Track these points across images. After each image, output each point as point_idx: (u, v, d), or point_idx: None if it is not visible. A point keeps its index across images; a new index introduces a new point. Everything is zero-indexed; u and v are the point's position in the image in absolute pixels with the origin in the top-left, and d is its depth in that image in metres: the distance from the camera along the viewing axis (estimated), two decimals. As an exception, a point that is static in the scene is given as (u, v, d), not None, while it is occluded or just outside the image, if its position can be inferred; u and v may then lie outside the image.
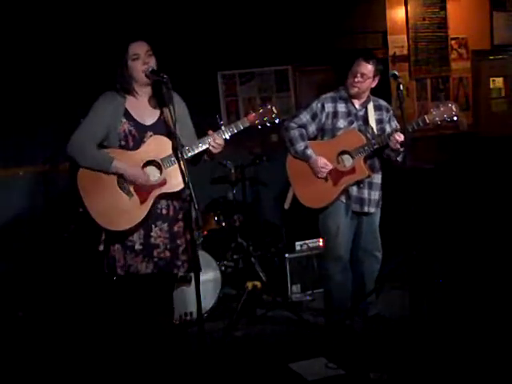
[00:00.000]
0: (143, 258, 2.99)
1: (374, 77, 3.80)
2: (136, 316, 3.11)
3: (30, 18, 5.15)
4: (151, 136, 2.99)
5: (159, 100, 3.03)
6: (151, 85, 3.02)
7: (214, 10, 5.69)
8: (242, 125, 3.07)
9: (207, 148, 3.02)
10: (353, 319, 3.91)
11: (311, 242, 4.88)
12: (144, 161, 2.97)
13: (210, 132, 3.02)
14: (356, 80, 3.77)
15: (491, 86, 7.02)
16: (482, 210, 5.66)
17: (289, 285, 4.77)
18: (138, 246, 2.99)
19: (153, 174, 2.99)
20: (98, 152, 2.95)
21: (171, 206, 3.05)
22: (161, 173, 2.98)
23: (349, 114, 3.85)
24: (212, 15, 5.68)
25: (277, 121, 3.15)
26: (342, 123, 3.83)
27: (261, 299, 4.51)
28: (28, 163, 5.23)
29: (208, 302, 4.26)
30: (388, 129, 3.86)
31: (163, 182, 2.97)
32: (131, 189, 2.95)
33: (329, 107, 3.85)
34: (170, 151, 2.95)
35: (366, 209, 3.87)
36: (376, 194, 3.90)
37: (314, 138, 3.91)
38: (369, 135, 3.79)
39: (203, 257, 4.19)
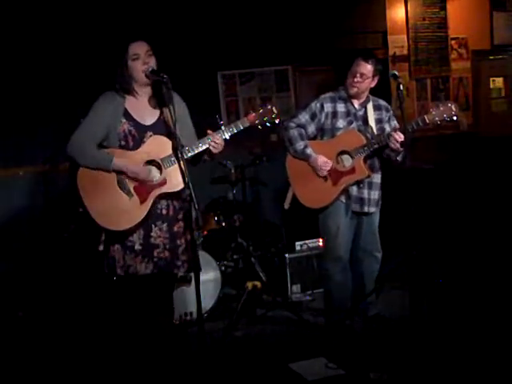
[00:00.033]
0: (143, 259, 2.99)
1: (374, 77, 3.80)
2: (136, 316, 3.10)
3: (30, 18, 5.16)
4: (151, 136, 2.99)
5: (159, 100, 3.03)
6: (151, 85, 3.02)
7: (213, 10, 5.69)
8: (242, 125, 3.07)
9: (207, 148, 3.02)
10: (353, 319, 3.91)
11: (311, 242, 4.88)
12: (144, 161, 2.97)
13: (210, 132, 3.02)
14: (355, 80, 3.77)
15: (491, 85, 7.02)
16: (481, 209, 5.66)
17: (289, 285, 4.77)
18: (137, 246, 2.99)
19: (153, 173, 2.99)
20: (97, 151, 2.95)
21: (171, 205, 3.05)
22: (161, 173, 2.98)
23: (348, 113, 3.85)
24: (212, 15, 5.69)
25: (277, 121, 3.15)
26: (341, 123, 3.83)
27: (261, 299, 4.51)
28: (28, 163, 5.24)
29: (208, 302, 4.26)
30: (388, 128, 3.86)
31: (163, 182, 2.97)
32: (131, 189, 2.96)
33: (328, 107, 3.85)
34: (169, 151, 2.95)
35: (365, 209, 3.87)
36: (376, 194, 3.90)
37: (314, 138, 3.91)
38: (368, 135, 3.79)
39: (203, 257, 4.19)
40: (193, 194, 2.71)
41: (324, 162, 3.77)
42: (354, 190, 3.83)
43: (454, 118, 3.53)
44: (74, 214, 4.58)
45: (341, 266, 3.90)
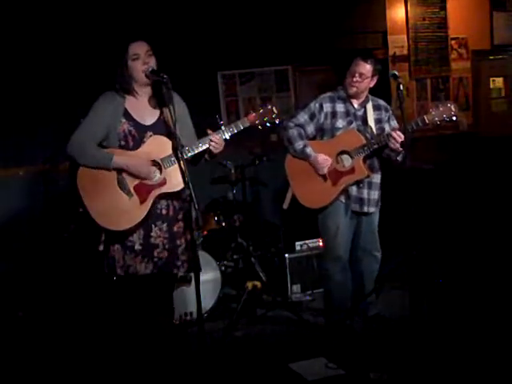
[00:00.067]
0: (143, 259, 2.99)
1: (373, 76, 3.80)
2: (136, 316, 3.10)
3: (30, 18, 5.16)
4: (151, 136, 2.99)
5: (159, 100, 3.03)
6: (151, 85, 3.02)
7: (213, 10, 5.69)
8: (242, 125, 3.07)
9: (207, 148, 3.02)
10: (353, 319, 3.91)
11: (311, 242, 4.88)
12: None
13: (210, 132, 3.02)
14: (354, 80, 3.77)
15: (491, 85, 7.02)
16: (481, 210, 5.66)
17: (289, 285, 4.78)
18: (137, 247, 2.99)
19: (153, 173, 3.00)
20: (97, 150, 2.95)
21: (171, 205, 3.05)
22: (161, 173, 2.98)
23: (347, 113, 3.85)
24: (212, 15, 5.68)
25: (277, 121, 3.15)
26: (340, 123, 3.83)
27: (261, 299, 4.51)
28: (28, 163, 5.24)
29: (208, 302, 4.26)
30: (387, 128, 3.86)
31: (163, 182, 2.97)
32: (131, 189, 2.96)
33: (327, 107, 3.85)
34: (169, 151, 2.95)
35: (365, 209, 3.87)
36: (375, 194, 3.90)
37: (313, 139, 3.91)
38: (368, 135, 3.79)
39: (203, 257, 4.19)
40: (193, 194, 2.71)
41: (324, 160, 3.77)
42: (353, 190, 3.83)
43: (454, 118, 3.53)
44: (74, 213, 4.58)
45: (340, 266, 3.90)
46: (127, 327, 3.20)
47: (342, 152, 3.79)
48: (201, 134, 3.08)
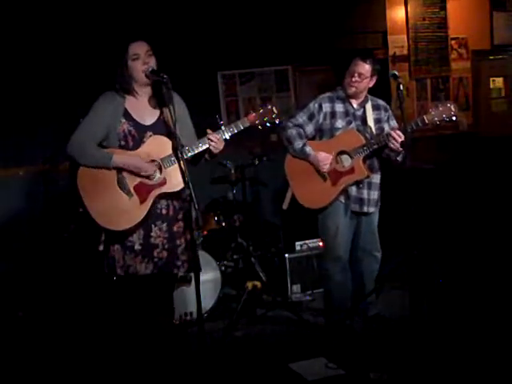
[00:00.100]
0: (142, 259, 2.99)
1: (372, 76, 3.80)
2: (136, 316, 3.11)
3: (30, 18, 5.16)
4: (151, 136, 2.99)
5: (159, 100, 3.03)
6: (151, 85, 3.02)
7: (213, 10, 5.69)
8: (242, 125, 3.07)
9: (208, 148, 3.02)
10: (353, 319, 3.91)
11: (311, 242, 4.88)
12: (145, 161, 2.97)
13: (210, 131, 3.02)
14: (353, 80, 3.77)
15: (491, 85, 7.02)
16: (482, 210, 5.66)
17: (289, 285, 4.78)
18: (137, 247, 2.99)
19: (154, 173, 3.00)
20: (97, 150, 2.95)
21: (171, 205, 3.05)
22: (161, 173, 2.98)
23: (347, 113, 3.85)
24: (212, 15, 5.68)
25: (277, 121, 3.15)
26: (340, 123, 3.83)
27: (261, 299, 4.51)
28: (28, 163, 5.24)
29: (208, 302, 4.26)
30: (387, 128, 3.86)
31: (163, 182, 2.97)
32: (131, 189, 2.96)
33: (326, 107, 3.85)
34: (169, 151, 2.95)
35: (365, 209, 3.87)
36: (375, 194, 3.90)
37: (313, 139, 3.90)
38: (367, 135, 3.79)
39: (203, 257, 4.19)
40: (193, 194, 2.71)
41: (325, 157, 3.76)
42: (353, 190, 3.83)
43: (454, 118, 3.53)
44: (74, 214, 4.58)
45: (340, 266, 3.90)
46: (127, 327, 3.20)
47: (342, 152, 3.79)
48: (201, 133, 3.08)
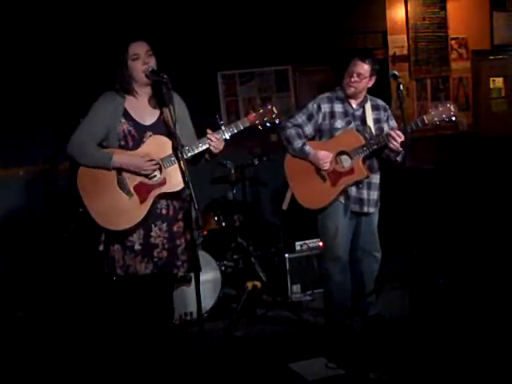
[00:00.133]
0: (142, 259, 2.99)
1: (371, 76, 3.80)
2: (136, 316, 3.11)
3: (30, 17, 5.16)
4: (151, 136, 2.99)
5: (159, 100, 3.03)
6: (151, 85, 3.02)
7: (213, 10, 5.69)
8: (242, 125, 3.07)
9: (208, 148, 3.02)
10: (353, 319, 3.91)
11: (311, 242, 4.88)
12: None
13: (209, 131, 3.02)
14: (352, 80, 3.77)
15: (491, 85, 7.02)
16: (482, 210, 5.66)
17: (289, 285, 4.78)
18: (137, 246, 2.99)
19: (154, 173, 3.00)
20: (97, 150, 2.95)
21: (171, 205, 3.05)
22: (161, 173, 2.98)
23: (346, 114, 3.85)
24: (212, 15, 5.68)
25: (277, 121, 3.15)
26: (339, 123, 3.83)
27: (261, 299, 4.51)
28: (28, 163, 5.24)
29: (208, 302, 4.26)
30: (386, 128, 3.86)
31: (163, 182, 2.97)
32: (131, 188, 2.96)
33: (325, 107, 3.85)
34: (169, 151, 2.95)
35: (365, 209, 3.87)
36: (375, 194, 3.90)
37: (312, 139, 3.90)
38: (367, 135, 3.78)
39: (203, 257, 4.19)
40: (193, 194, 2.71)
41: (325, 155, 3.75)
42: (352, 190, 3.83)
43: (453, 118, 3.53)
44: (74, 214, 4.58)
45: (340, 266, 3.90)
46: (127, 327, 3.20)
47: (341, 152, 3.79)
48: (201, 133, 3.07)
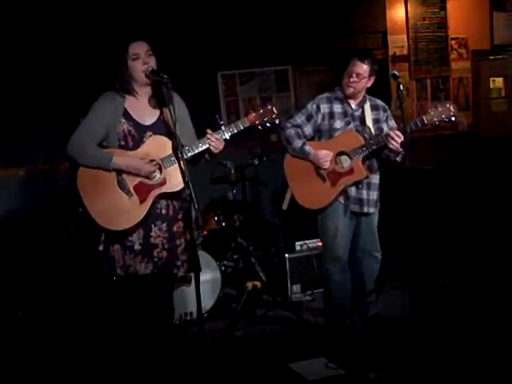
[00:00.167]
0: (142, 259, 2.99)
1: (370, 76, 3.79)
2: (136, 316, 3.11)
3: (30, 17, 5.16)
4: (151, 136, 2.99)
5: (159, 100, 3.03)
6: (151, 85, 3.02)
7: (213, 10, 5.69)
8: (242, 125, 3.07)
9: (208, 148, 3.02)
10: (353, 319, 3.91)
11: (311, 242, 4.88)
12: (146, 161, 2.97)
13: (209, 131, 3.02)
14: (351, 80, 3.77)
15: (491, 85, 7.02)
16: (481, 210, 5.66)
17: (289, 285, 4.78)
18: (137, 246, 2.99)
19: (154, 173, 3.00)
20: (97, 151, 2.95)
21: (171, 205, 3.05)
22: (161, 173, 2.98)
23: (345, 114, 3.84)
24: (212, 15, 5.69)
25: (277, 121, 3.15)
26: (338, 124, 3.82)
27: (261, 299, 4.51)
28: (28, 163, 5.24)
29: (208, 302, 4.26)
30: (385, 128, 3.86)
31: (163, 182, 2.97)
32: (131, 188, 2.96)
33: (324, 108, 3.85)
34: (169, 151, 2.95)
35: (365, 209, 3.86)
36: (374, 195, 3.90)
37: (311, 140, 3.90)
38: (366, 135, 3.78)
39: (203, 257, 4.19)
40: (193, 194, 2.71)
41: (325, 154, 3.75)
42: (352, 190, 3.83)
43: (453, 118, 3.53)
44: (74, 214, 4.58)
45: (340, 267, 3.90)
46: (127, 327, 3.20)
47: (341, 153, 3.79)
48: (201, 134, 3.08)
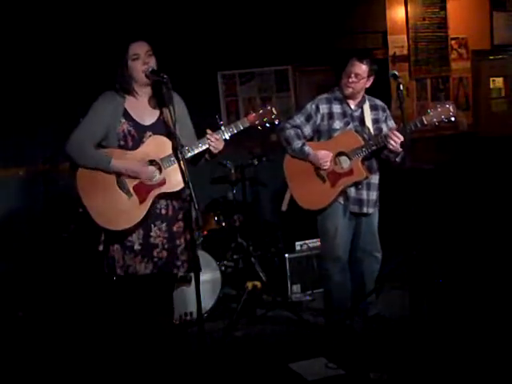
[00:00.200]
0: (142, 259, 2.99)
1: (369, 77, 3.79)
2: (136, 316, 3.11)
3: (29, 17, 5.16)
4: (150, 136, 2.99)
5: (159, 100, 3.03)
6: (151, 85, 3.01)
7: (213, 10, 5.69)
8: (241, 125, 3.07)
9: (207, 148, 3.02)
10: (353, 319, 3.91)
11: (311, 242, 4.88)
12: (144, 161, 2.97)
13: (209, 131, 3.02)
14: (350, 80, 3.77)
15: (491, 85, 7.02)
16: (481, 210, 5.66)
17: (289, 285, 4.78)
18: (137, 246, 2.99)
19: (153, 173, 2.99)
20: (96, 152, 2.95)
21: (170, 205, 3.05)
22: (160, 173, 2.98)
23: (344, 114, 3.84)
24: (212, 15, 5.69)
25: (276, 122, 3.15)
26: (337, 124, 3.82)
27: (261, 299, 4.51)
28: (28, 163, 5.24)
29: (208, 302, 4.26)
30: (385, 128, 3.86)
31: (163, 182, 2.97)
32: (130, 189, 2.95)
33: (323, 108, 3.85)
34: (169, 151, 2.95)
35: (364, 209, 3.86)
36: (374, 195, 3.90)
37: (311, 140, 3.90)
38: (365, 136, 3.78)
39: (203, 257, 4.19)
40: (193, 194, 2.71)
41: (325, 155, 3.75)
42: (352, 191, 3.83)
43: (452, 119, 3.53)
44: (74, 214, 4.58)
45: (340, 267, 3.90)
46: (127, 327, 3.20)
47: (340, 153, 3.79)
48: (201, 134, 3.08)
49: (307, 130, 3.86)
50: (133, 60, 2.95)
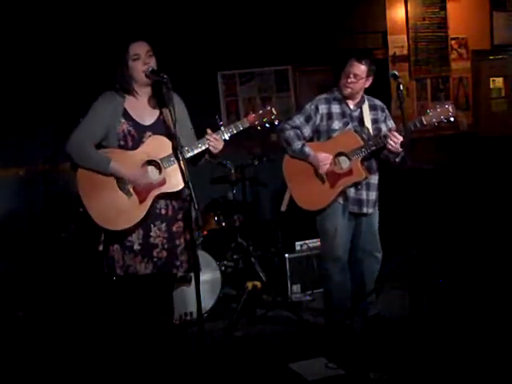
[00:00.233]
0: (142, 259, 2.99)
1: (368, 77, 3.79)
2: (136, 316, 3.11)
3: (30, 17, 5.16)
4: (150, 136, 2.99)
5: (159, 100, 3.03)
6: (151, 85, 3.02)
7: (213, 10, 5.69)
8: (241, 125, 3.08)
9: (207, 148, 3.02)
10: (353, 319, 3.91)
11: (311, 242, 4.88)
12: (143, 161, 2.97)
13: (209, 131, 3.02)
14: (349, 81, 3.77)
15: (491, 85, 7.02)
16: (481, 210, 5.66)
17: (289, 285, 4.78)
18: (136, 247, 2.99)
19: (152, 173, 2.99)
20: (96, 153, 2.95)
21: (170, 205, 3.05)
22: (160, 173, 2.98)
23: (343, 115, 3.84)
24: (212, 15, 5.69)
25: (276, 122, 3.16)
26: (336, 124, 3.82)
27: (261, 299, 4.51)
28: (28, 163, 5.24)
29: (208, 302, 4.26)
30: (384, 128, 3.86)
31: (162, 182, 2.97)
32: (130, 189, 2.95)
33: (323, 109, 3.85)
34: (169, 151, 2.95)
35: (364, 210, 3.86)
36: (373, 195, 3.90)
37: (310, 140, 3.90)
38: (365, 136, 3.78)
39: (203, 257, 4.19)
40: (193, 194, 2.71)
41: (324, 157, 3.75)
42: (351, 191, 3.83)
43: (452, 119, 3.54)
44: (74, 214, 4.58)
45: (340, 267, 3.90)
46: (127, 327, 3.20)
47: (340, 154, 3.79)
48: (201, 134, 3.08)
49: (307, 130, 3.86)
50: (133, 60, 2.95)
